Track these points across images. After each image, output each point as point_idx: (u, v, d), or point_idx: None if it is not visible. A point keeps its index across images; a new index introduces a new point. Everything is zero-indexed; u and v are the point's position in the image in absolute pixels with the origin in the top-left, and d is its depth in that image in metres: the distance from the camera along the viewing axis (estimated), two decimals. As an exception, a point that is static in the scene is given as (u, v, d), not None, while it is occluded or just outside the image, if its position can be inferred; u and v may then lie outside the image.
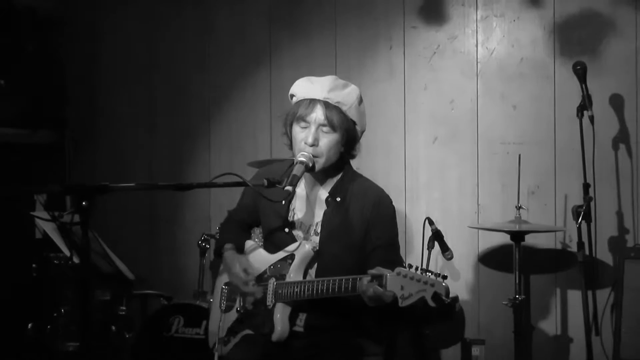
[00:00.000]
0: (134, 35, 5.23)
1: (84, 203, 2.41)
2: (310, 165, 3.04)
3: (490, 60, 4.56)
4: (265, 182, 2.95)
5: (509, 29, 4.53)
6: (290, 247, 3.15)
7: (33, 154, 4.96)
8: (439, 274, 2.67)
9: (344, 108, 3.05)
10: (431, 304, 2.66)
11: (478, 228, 4.44)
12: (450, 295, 3.58)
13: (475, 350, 4.51)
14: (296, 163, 3.02)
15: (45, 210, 4.18)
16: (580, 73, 4.04)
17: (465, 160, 4.60)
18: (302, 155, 3.04)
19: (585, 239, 3.96)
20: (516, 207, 4.14)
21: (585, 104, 3.98)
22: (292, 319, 3.11)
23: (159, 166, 5.16)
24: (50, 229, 4.06)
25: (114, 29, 5.27)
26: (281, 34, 4.93)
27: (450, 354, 4.56)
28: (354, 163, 3.29)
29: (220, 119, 5.06)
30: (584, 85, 4.01)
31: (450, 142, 4.63)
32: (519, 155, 4.26)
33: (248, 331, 3.20)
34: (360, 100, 3.13)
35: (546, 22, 4.47)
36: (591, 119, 3.97)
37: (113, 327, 4.37)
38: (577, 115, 4.00)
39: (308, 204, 3.20)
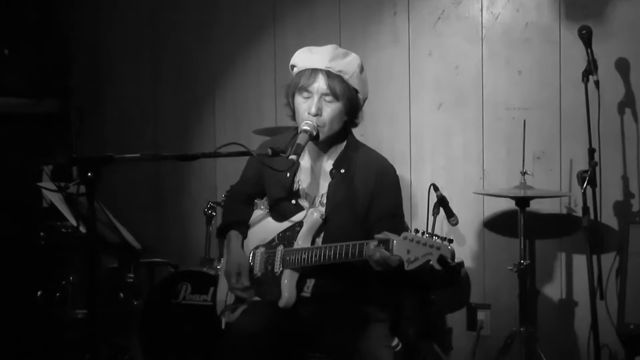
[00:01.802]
0: (138, 4, 5.20)
1: (89, 174, 2.42)
2: (315, 134, 3.04)
3: (495, 25, 4.53)
4: (270, 151, 2.96)
5: (514, -7, 4.51)
6: (299, 216, 3.17)
7: (38, 123, 4.96)
8: (445, 238, 2.70)
9: (345, 77, 3.05)
10: (437, 267, 2.69)
11: (483, 194, 4.45)
12: (456, 261, 3.61)
13: (481, 315, 4.55)
14: (300, 132, 3.03)
15: (51, 180, 4.20)
16: (586, 37, 4.01)
17: (470, 126, 4.59)
18: (306, 124, 3.04)
19: (590, 203, 3.96)
20: (521, 172, 4.15)
21: (591, 69, 3.96)
22: (300, 285, 3.14)
23: (165, 135, 5.17)
24: (56, 199, 4.08)
25: (118, -3, 5.26)
26: (285, 1, 4.90)
27: (456, 319, 4.59)
28: (358, 130, 3.30)
29: (225, 88, 5.05)
30: (589, 50, 3.99)
31: (455, 108, 4.62)
32: (524, 120, 4.26)
33: (256, 298, 3.23)
34: (362, 69, 3.13)
35: (551, -14, 4.45)
36: (597, 83, 3.95)
37: (121, 294, 4.40)
38: (583, 80, 3.98)
39: (313, 175, 3.21)
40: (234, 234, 3.34)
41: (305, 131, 3.02)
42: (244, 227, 3.36)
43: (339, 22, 4.78)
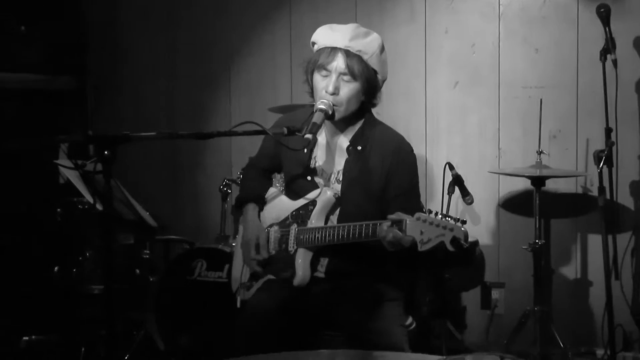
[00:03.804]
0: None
1: (106, 152, 2.42)
2: (330, 113, 3.03)
3: (513, 3, 4.50)
4: (285, 130, 2.95)
5: (532, -30, 4.47)
6: (312, 194, 3.17)
7: (54, 100, 4.97)
8: (458, 219, 2.68)
9: (365, 57, 3.03)
10: (450, 248, 2.67)
11: (499, 173, 4.44)
12: (471, 240, 3.61)
13: (495, 294, 4.56)
14: (316, 111, 3.02)
15: (68, 158, 4.21)
16: (604, 15, 3.98)
17: (486, 105, 4.58)
18: (322, 103, 3.03)
19: (606, 183, 3.94)
20: (537, 151, 4.14)
21: (609, 47, 3.93)
22: (314, 264, 3.14)
23: (181, 112, 5.18)
24: (73, 176, 4.10)
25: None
26: (301, -23, 4.89)
27: (470, 297, 4.60)
28: (374, 108, 3.29)
29: (241, 65, 5.05)
30: (607, 28, 3.96)
31: (472, 87, 4.60)
32: (541, 99, 4.24)
33: (270, 276, 3.24)
34: (382, 49, 3.10)
35: (570, -37, 4.40)
36: (614, 62, 3.92)
37: (137, 271, 4.43)
38: (600, 59, 3.95)
39: (329, 152, 3.20)
40: (251, 207, 3.34)
41: (321, 110, 3.01)
42: (261, 200, 3.37)
43: (355, -1, 4.76)
